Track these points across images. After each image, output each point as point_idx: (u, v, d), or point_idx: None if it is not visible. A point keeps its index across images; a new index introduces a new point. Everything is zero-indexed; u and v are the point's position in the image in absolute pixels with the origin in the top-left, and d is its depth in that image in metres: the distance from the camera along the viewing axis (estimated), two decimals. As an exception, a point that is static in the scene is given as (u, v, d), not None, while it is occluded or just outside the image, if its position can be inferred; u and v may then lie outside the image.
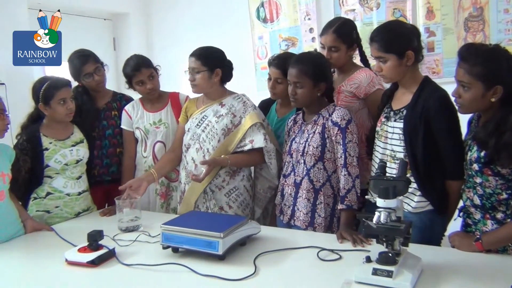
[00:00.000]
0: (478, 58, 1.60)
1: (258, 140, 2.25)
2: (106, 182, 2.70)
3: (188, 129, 2.36)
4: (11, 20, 3.34)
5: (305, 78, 2.02)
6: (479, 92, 1.61)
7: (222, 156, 2.24)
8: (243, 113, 2.31)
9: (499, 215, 1.64)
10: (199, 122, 2.34)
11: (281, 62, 2.34)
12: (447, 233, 1.90)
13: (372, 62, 2.42)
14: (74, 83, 2.64)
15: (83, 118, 2.51)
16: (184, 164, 2.41)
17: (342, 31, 2.30)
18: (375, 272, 1.44)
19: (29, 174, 2.26)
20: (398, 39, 1.86)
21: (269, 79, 2.43)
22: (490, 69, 1.59)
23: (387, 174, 1.67)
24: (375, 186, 1.52)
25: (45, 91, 2.22)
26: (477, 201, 1.69)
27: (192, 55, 2.33)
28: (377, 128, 1.99)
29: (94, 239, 1.78)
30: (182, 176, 2.42)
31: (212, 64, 2.29)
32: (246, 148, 2.27)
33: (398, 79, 1.91)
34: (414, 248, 1.58)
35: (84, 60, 2.62)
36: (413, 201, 1.86)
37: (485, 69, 1.59)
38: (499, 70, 1.59)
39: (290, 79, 2.06)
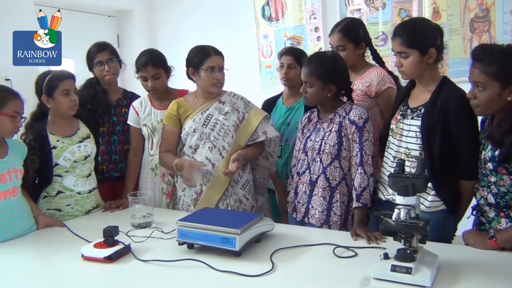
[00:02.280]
0: (493, 58, 1.62)
1: (271, 131, 2.36)
2: (114, 178, 2.69)
3: (194, 130, 2.32)
4: (17, 16, 3.33)
5: (314, 79, 2.04)
6: (495, 92, 1.62)
7: (242, 149, 2.28)
8: (245, 109, 2.37)
9: (514, 213, 1.66)
10: (205, 121, 2.33)
11: (293, 51, 2.58)
12: (457, 232, 1.92)
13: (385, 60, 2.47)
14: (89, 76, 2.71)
15: (95, 107, 2.53)
16: None
17: (348, 29, 2.34)
18: (394, 268, 1.45)
19: (37, 174, 2.25)
20: (423, 35, 1.86)
21: (281, 66, 2.54)
22: (506, 68, 1.61)
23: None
24: (394, 183, 1.53)
25: (48, 82, 2.21)
26: (491, 199, 1.70)
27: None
28: (392, 126, 2.00)
29: (110, 235, 1.78)
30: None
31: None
32: (259, 139, 2.34)
33: (417, 76, 1.91)
34: (429, 246, 1.59)
35: (100, 48, 2.68)
36: (426, 200, 1.86)
37: (501, 68, 1.60)
38: None
39: (302, 77, 2.10)
